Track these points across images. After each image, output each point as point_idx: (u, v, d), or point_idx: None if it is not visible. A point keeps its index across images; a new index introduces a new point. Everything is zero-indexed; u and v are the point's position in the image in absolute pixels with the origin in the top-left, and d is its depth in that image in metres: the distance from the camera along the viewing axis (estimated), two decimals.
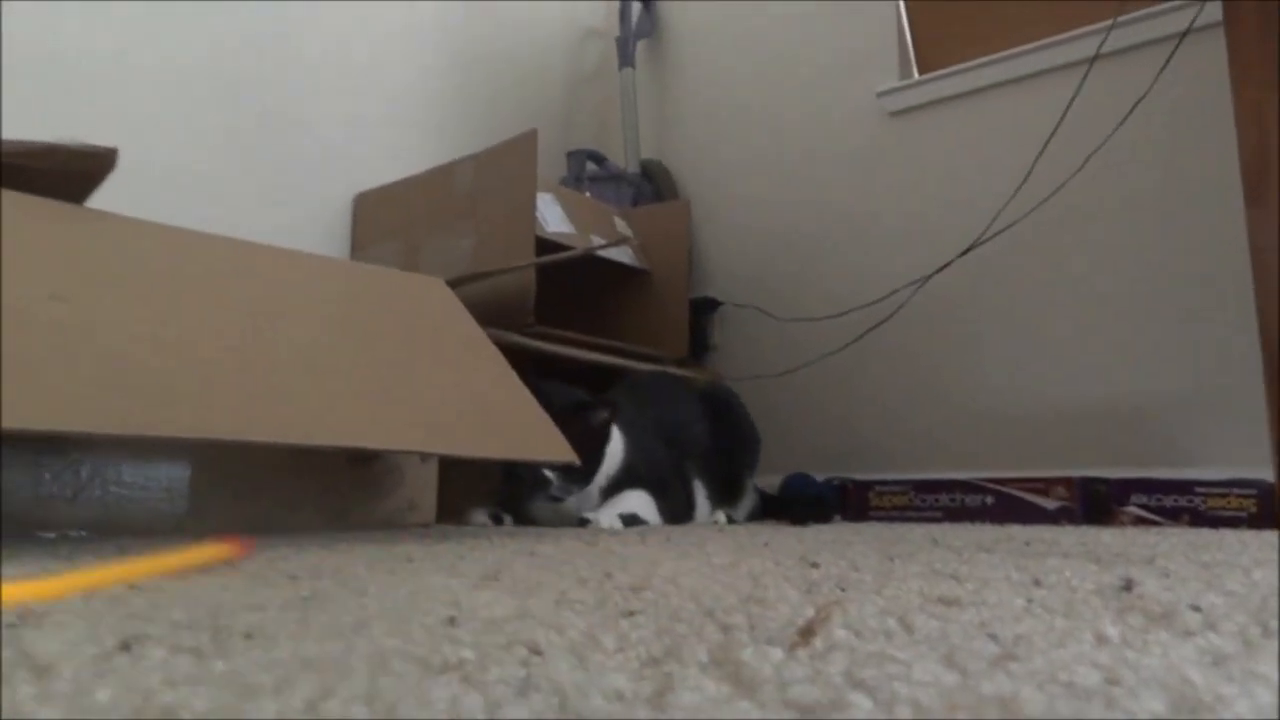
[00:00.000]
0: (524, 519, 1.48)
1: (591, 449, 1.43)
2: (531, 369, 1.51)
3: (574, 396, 1.48)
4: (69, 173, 1.14)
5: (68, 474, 1.05)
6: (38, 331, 0.87)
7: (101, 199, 1.16)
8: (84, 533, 1.05)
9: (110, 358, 0.90)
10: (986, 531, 1.26)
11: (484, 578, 0.64)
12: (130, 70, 1.70)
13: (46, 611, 0.46)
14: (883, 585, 0.59)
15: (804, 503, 1.70)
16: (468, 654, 0.36)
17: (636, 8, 2.57)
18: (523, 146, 1.83)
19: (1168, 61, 1.63)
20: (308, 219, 1.99)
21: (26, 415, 0.80)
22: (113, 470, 1.08)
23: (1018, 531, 1.25)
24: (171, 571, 0.64)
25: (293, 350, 1.09)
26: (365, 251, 2.03)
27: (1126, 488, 1.50)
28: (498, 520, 1.47)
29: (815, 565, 0.73)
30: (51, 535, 1.03)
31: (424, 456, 1.37)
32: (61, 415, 0.82)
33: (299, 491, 1.25)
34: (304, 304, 1.20)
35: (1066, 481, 1.56)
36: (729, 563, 0.76)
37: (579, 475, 1.42)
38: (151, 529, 1.10)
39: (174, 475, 1.13)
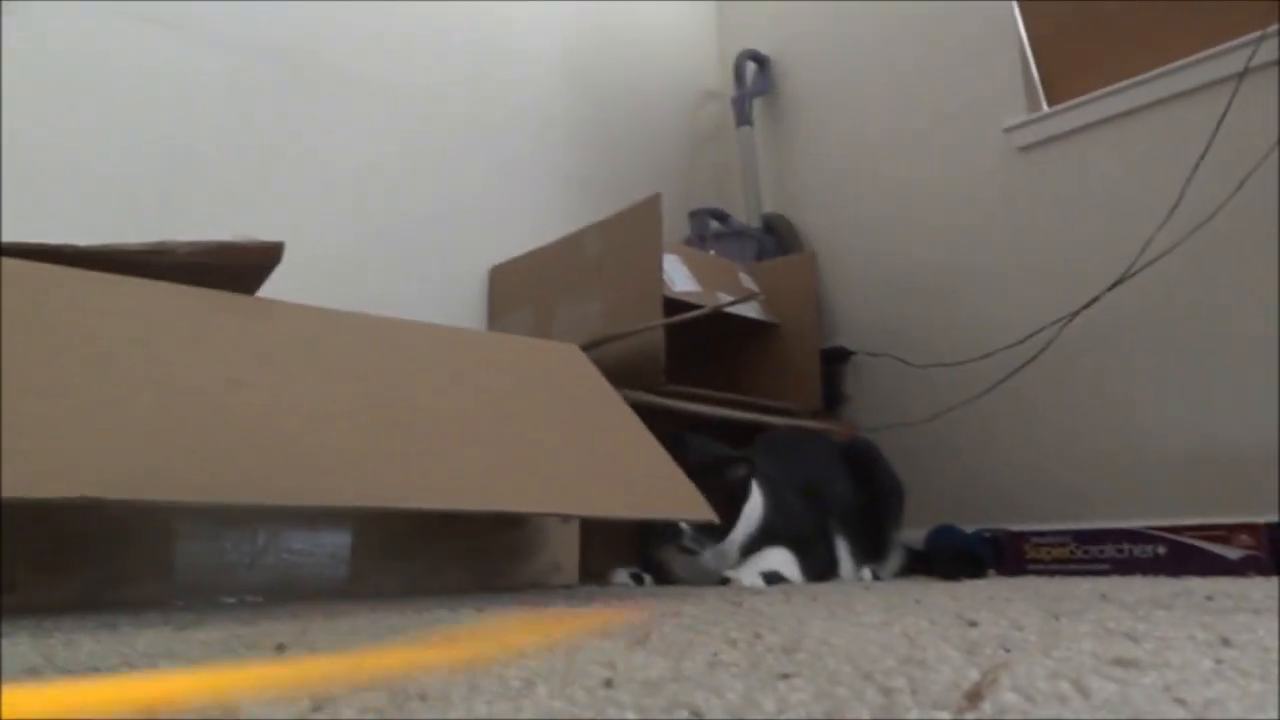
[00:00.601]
0: (664, 579, 1.48)
1: (729, 505, 1.42)
2: (666, 427, 1.52)
3: (713, 450, 1.49)
4: (241, 266, 1.26)
5: (245, 543, 1.14)
6: (221, 415, 0.96)
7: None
8: (259, 598, 1.13)
9: (281, 435, 0.98)
10: (1161, 585, 1.17)
11: (635, 639, 0.65)
12: (285, 163, 1.87)
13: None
14: (1051, 645, 0.56)
15: (953, 557, 1.63)
16: (631, 716, 0.37)
17: (751, 67, 2.62)
18: (647, 210, 1.88)
19: None
20: (447, 294, 2.10)
21: (214, 491, 0.87)
22: (284, 538, 1.16)
23: (1197, 584, 1.16)
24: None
25: (441, 420, 1.14)
26: (500, 320, 2.12)
27: None
28: (639, 580, 1.48)
29: (974, 624, 0.70)
30: (232, 600, 1.11)
31: (566, 518, 1.40)
32: (243, 490, 0.89)
33: (450, 555, 1.30)
34: (450, 375, 1.27)
35: (1251, 528, 1.43)
36: (881, 621, 0.74)
37: (715, 530, 1.41)
38: (319, 592, 1.17)
39: (337, 542, 1.20)
